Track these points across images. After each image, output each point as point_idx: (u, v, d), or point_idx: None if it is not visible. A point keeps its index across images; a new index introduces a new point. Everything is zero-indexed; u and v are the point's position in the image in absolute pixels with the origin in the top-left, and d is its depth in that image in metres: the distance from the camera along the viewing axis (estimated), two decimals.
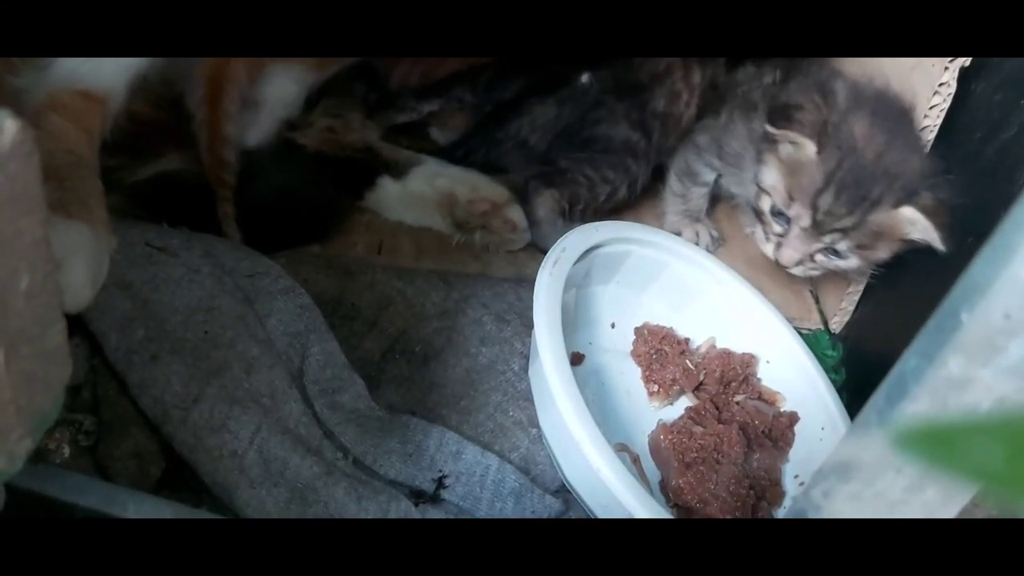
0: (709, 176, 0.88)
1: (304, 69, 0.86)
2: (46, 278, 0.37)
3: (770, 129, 0.73)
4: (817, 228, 0.73)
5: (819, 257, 0.76)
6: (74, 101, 0.74)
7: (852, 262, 0.75)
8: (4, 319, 0.34)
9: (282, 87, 0.85)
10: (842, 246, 0.74)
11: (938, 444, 0.21)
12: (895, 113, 0.73)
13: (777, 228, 0.76)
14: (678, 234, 0.89)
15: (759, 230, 0.79)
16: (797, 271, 0.78)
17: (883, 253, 0.74)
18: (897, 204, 0.71)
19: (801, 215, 0.74)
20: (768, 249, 0.78)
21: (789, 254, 0.76)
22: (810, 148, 0.72)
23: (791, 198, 0.74)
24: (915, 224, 0.71)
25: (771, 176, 0.76)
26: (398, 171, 0.90)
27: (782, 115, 0.72)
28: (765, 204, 0.76)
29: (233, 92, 0.80)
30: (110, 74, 0.77)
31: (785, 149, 0.74)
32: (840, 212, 0.71)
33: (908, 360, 0.31)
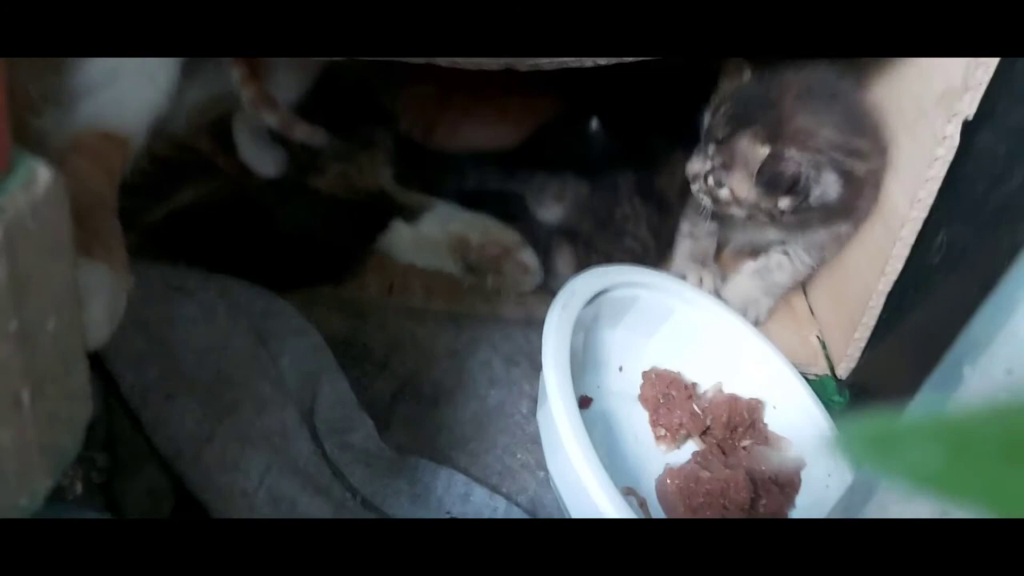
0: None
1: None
2: (72, 319, 0.38)
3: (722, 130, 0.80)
4: (708, 136, 0.82)
5: (710, 180, 0.82)
6: (96, 142, 0.76)
7: (724, 192, 0.81)
8: (31, 359, 0.35)
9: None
10: (716, 161, 0.81)
11: (880, 447, 0.21)
12: (832, 91, 0.80)
13: (709, 148, 0.83)
14: (683, 277, 0.90)
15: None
16: (695, 188, 0.85)
17: (741, 187, 0.80)
18: (763, 141, 0.77)
19: (706, 124, 0.83)
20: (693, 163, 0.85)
21: (692, 164, 0.84)
22: (746, 75, 0.82)
23: (713, 107, 0.83)
24: (758, 160, 0.77)
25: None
26: (411, 215, 0.91)
27: (748, 104, 0.80)
28: (704, 118, 0.84)
29: None
30: (132, 115, 0.78)
31: (730, 67, 0.84)
32: (720, 123, 0.80)
33: (912, 413, 0.32)
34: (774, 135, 0.76)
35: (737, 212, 0.83)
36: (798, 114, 0.77)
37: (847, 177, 0.77)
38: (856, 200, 0.79)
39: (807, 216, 0.80)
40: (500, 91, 0.98)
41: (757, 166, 0.77)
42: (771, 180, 0.76)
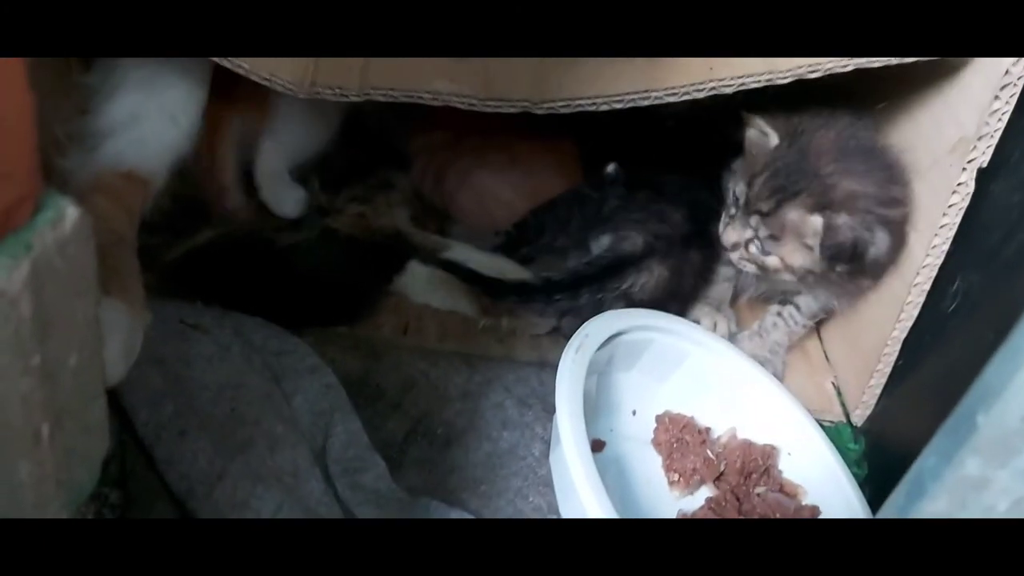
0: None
1: None
2: (92, 355, 0.38)
3: (745, 112, 0.81)
4: (747, 207, 0.81)
5: (752, 247, 0.82)
6: (118, 182, 0.77)
7: (773, 260, 0.81)
8: (52, 394, 0.35)
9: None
10: (762, 232, 0.81)
11: None
12: (862, 146, 0.80)
13: (732, 211, 0.83)
14: (697, 322, 0.90)
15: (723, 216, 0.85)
16: (734, 257, 0.85)
17: (794, 257, 0.80)
18: (811, 209, 0.77)
19: (741, 194, 0.82)
20: (720, 228, 0.85)
21: (729, 234, 0.84)
22: (773, 140, 0.80)
23: (744, 178, 0.82)
24: (813, 231, 0.77)
25: (739, 162, 0.84)
26: (427, 255, 0.92)
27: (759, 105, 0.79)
28: (731, 184, 0.83)
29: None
30: (154, 156, 0.80)
31: (753, 133, 0.82)
32: (764, 195, 0.79)
33: (927, 459, 0.32)
34: (822, 203, 0.77)
35: (788, 277, 0.83)
36: (842, 179, 0.77)
37: (892, 228, 0.77)
38: (900, 248, 0.79)
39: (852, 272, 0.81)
40: (510, 138, 0.99)
41: (811, 236, 0.77)
42: (834, 252, 0.77)
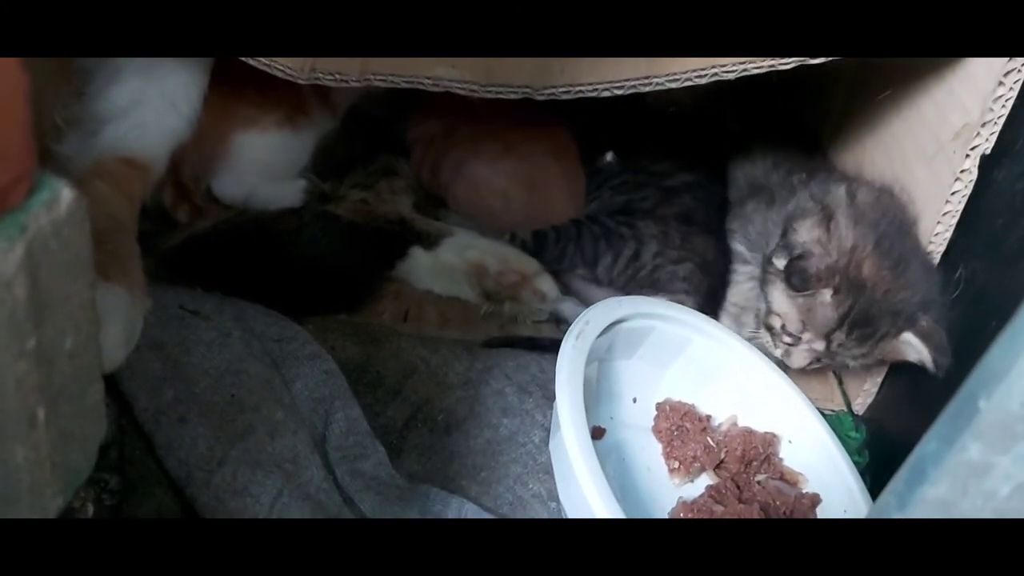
0: (746, 254, 0.91)
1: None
2: (89, 339, 0.38)
3: (796, 294, 0.76)
4: (829, 354, 0.78)
5: (825, 360, 0.79)
6: (118, 168, 0.77)
7: (856, 364, 0.80)
8: (48, 378, 0.35)
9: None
10: (850, 362, 0.79)
11: None
12: (898, 232, 0.76)
13: (787, 339, 0.79)
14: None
15: (765, 335, 0.82)
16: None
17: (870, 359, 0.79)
18: (899, 332, 0.75)
19: (814, 340, 0.77)
20: (777, 353, 0.81)
21: (798, 360, 0.79)
22: (826, 294, 0.75)
23: (804, 327, 0.77)
24: (912, 346, 0.75)
25: (782, 304, 0.79)
26: (429, 242, 0.92)
27: (800, 277, 0.75)
28: (776, 323, 0.80)
29: None
30: (154, 142, 0.80)
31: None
32: (851, 345, 0.76)
33: (928, 444, 0.32)
34: (902, 328, 0.75)
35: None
36: (910, 295, 0.75)
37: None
38: None
39: None
40: (505, 127, 0.98)
41: (912, 354, 0.76)
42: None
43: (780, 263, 0.77)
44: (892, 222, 0.77)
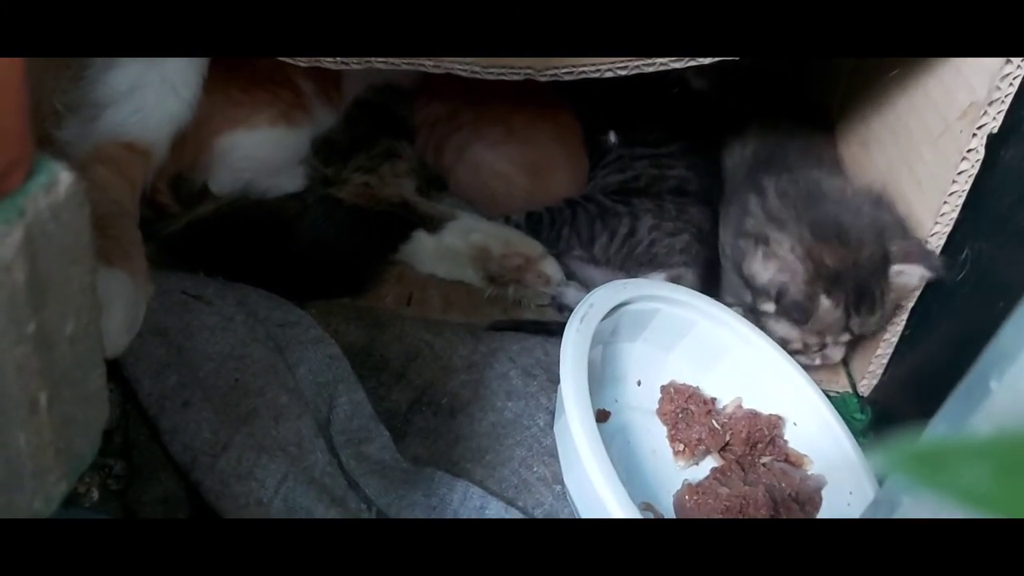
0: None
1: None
2: (90, 324, 0.38)
3: (807, 330, 0.79)
4: (857, 335, 0.81)
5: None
6: (119, 153, 0.77)
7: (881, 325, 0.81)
8: (49, 363, 0.35)
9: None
10: (874, 327, 0.81)
11: (928, 465, 0.21)
12: (815, 204, 0.80)
13: (816, 350, 0.82)
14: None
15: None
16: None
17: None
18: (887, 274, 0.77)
19: (840, 338, 0.81)
20: (816, 362, 0.84)
21: (835, 356, 0.83)
22: (824, 303, 0.77)
23: (823, 336, 0.81)
24: (904, 274, 0.77)
25: (794, 333, 0.81)
26: (433, 225, 0.91)
27: (798, 311, 0.77)
28: (798, 346, 0.82)
29: None
30: (155, 126, 0.79)
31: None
32: (867, 316, 0.78)
33: (937, 426, 0.32)
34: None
35: None
36: (872, 251, 0.77)
37: None
38: None
39: None
40: (508, 110, 0.98)
41: (904, 281, 0.78)
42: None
43: (769, 307, 0.80)
44: (803, 200, 0.80)
